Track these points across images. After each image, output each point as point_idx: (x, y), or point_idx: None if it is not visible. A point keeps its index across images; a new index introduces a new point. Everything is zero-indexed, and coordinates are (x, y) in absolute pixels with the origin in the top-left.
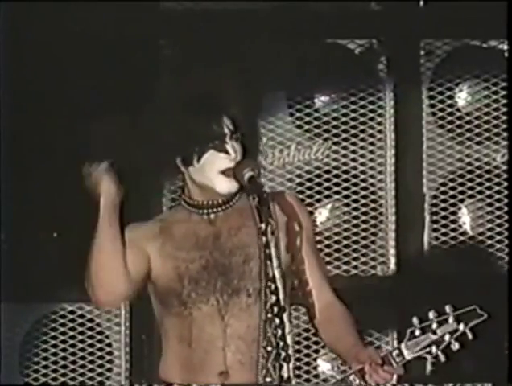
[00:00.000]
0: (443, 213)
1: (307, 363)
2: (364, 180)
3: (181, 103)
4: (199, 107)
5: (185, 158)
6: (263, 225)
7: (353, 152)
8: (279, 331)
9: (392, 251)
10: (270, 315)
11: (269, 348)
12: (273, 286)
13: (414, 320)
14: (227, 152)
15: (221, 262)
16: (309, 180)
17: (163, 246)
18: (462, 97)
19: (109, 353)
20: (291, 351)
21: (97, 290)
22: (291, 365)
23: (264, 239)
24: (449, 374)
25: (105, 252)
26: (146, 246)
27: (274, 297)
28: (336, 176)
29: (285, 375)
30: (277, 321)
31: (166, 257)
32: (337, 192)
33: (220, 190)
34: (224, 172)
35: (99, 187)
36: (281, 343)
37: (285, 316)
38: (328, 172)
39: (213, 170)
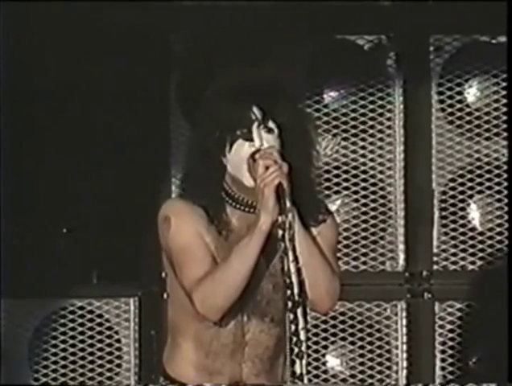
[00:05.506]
0: (452, 209)
1: (316, 359)
2: (373, 176)
3: (216, 92)
4: (232, 95)
5: (220, 148)
6: (280, 218)
7: (362, 148)
8: (293, 327)
9: (401, 247)
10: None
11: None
12: (288, 280)
13: None
14: (252, 140)
15: (255, 282)
16: (318, 176)
17: (213, 241)
18: (471, 93)
19: (118, 349)
20: (304, 348)
21: (220, 308)
22: (303, 361)
23: (280, 232)
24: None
25: (246, 278)
26: (205, 237)
27: (288, 292)
28: (346, 172)
29: (297, 371)
30: (291, 316)
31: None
32: (346, 188)
33: (246, 182)
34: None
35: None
36: (294, 339)
37: (299, 311)
38: (337, 168)
39: (240, 160)
